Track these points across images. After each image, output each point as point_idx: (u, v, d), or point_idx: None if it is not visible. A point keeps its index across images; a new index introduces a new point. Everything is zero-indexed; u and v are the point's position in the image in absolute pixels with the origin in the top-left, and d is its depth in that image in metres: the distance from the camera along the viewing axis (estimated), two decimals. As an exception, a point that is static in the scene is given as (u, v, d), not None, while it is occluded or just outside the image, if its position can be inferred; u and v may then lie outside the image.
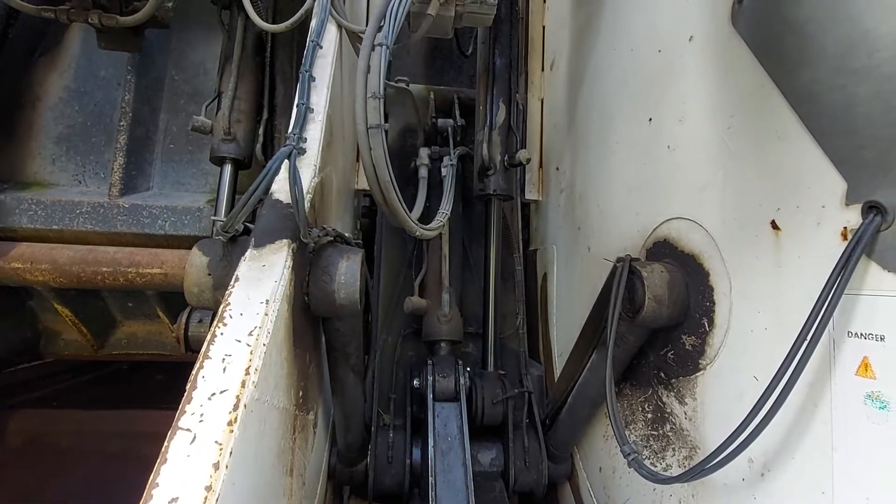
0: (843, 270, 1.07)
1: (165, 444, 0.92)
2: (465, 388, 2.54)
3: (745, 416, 1.23)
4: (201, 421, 0.96)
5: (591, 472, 2.44)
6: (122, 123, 2.89)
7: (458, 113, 3.24)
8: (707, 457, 1.35)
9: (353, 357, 1.90)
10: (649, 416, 1.94)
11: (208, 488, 0.87)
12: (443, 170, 2.81)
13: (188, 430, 0.95)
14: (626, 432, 1.98)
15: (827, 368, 1.15)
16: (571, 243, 2.81)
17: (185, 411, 0.99)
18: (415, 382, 2.62)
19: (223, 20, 2.80)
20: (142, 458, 1.12)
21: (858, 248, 1.04)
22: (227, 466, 0.91)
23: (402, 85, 3.06)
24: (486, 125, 2.85)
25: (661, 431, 1.86)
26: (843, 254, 1.07)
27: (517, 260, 3.22)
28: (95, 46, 2.76)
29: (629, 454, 1.62)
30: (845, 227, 1.11)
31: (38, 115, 2.91)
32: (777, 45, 1.35)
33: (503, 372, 2.86)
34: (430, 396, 2.46)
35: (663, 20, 1.94)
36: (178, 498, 0.84)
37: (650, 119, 1.98)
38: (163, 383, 3.99)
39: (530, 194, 3.39)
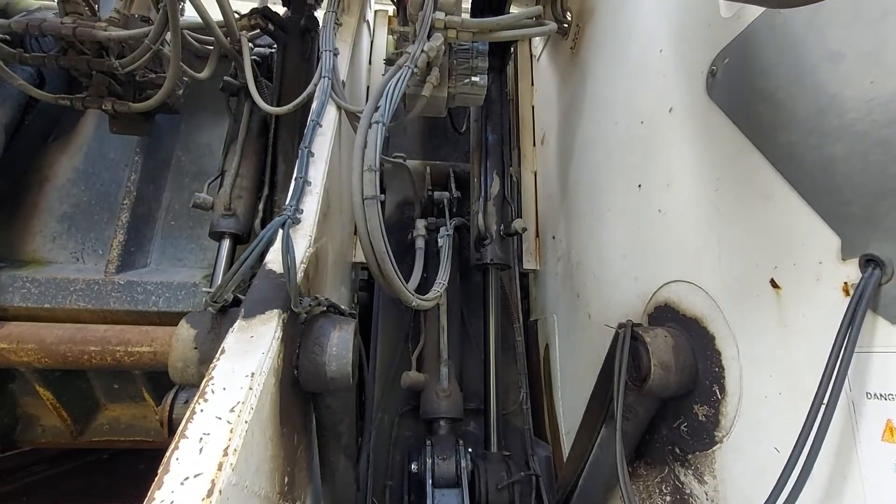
0: (850, 327, 1.02)
1: (129, 537, 0.83)
2: (468, 471, 2.37)
3: (769, 493, 1.12)
4: (170, 509, 0.87)
5: (609, 567, 2.20)
6: (125, 202, 2.95)
7: (453, 186, 3.33)
8: (734, 543, 1.21)
9: (344, 437, 1.78)
10: (667, 498, 1.78)
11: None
12: (439, 240, 2.83)
13: (155, 520, 0.85)
14: (644, 518, 1.80)
15: (850, 435, 1.07)
16: (572, 312, 2.76)
17: (154, 498, 0.90)
18: (412, 467, 2.44)
19: (230, 106, 2.97)
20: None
21: (862, 303, 1.01)
22: None
23: (400, 160, 3.18)
24: (481, 196, 2.93)
25: (681, 515, 1.69)
26: (847, 310, 1.03)
27: (517, 331, 3.15)
28: (107, 130, 2.89)
29: (648, 543, 1.46)
30: (846, 282, 1.09)
31: (43, 195, 2.98)
32: (751, 112, 1.41)
33: (508, 453, 2.68)
34: (429, 482, 2.29)
35: (642, 95, 2.06)
36: None
37: (639, 185, 2.03)
38: (144, 474, 3.70)
39: (528, 264, 3.40)
